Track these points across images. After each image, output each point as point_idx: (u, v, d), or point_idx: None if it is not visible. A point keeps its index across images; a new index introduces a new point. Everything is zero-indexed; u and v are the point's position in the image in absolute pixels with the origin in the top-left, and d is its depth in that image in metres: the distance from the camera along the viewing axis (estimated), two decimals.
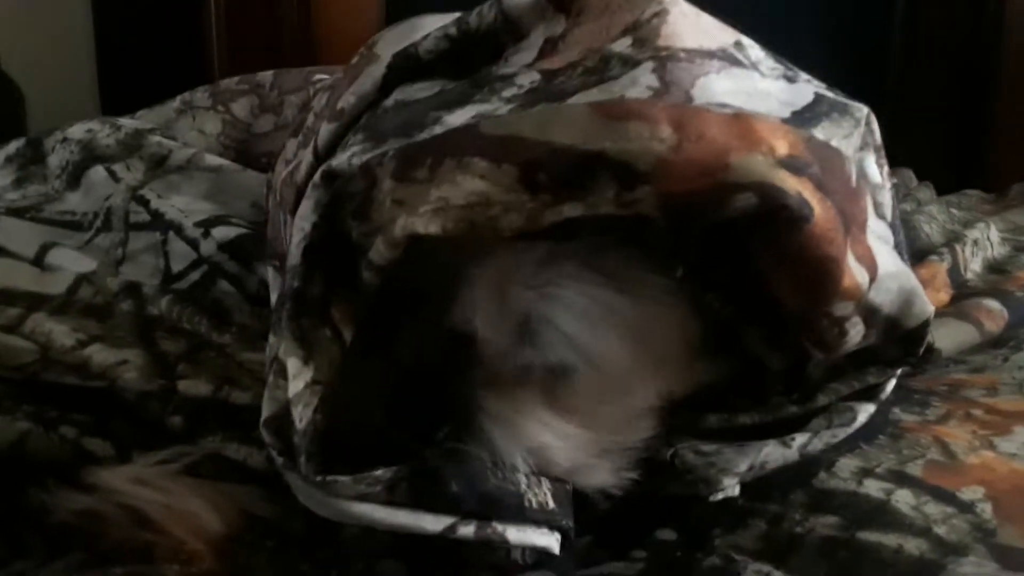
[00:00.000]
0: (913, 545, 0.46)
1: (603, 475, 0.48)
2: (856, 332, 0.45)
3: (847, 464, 0.53)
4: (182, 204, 0.64)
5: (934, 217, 0.98)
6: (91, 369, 0.54)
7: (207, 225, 0.62)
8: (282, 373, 0.43)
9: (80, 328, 0.56)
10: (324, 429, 0.43)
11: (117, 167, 0.70)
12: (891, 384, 0.51)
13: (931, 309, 0.47)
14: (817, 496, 0.51)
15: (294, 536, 0.52)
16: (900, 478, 0.52)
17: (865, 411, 0.50)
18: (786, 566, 0.46)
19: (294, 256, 0.44)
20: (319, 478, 0.43)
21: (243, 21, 2.02)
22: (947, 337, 0.75)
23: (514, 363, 0.46)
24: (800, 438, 0.49)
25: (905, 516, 0.48)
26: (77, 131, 0.74)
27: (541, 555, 0.47)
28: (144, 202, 0.65)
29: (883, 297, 0.45)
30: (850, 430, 0.50)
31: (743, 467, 0.49)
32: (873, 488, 0.51)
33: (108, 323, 0.57)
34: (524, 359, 0.46)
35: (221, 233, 0.61)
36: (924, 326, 0.48)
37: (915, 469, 0.53)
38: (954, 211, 1.04)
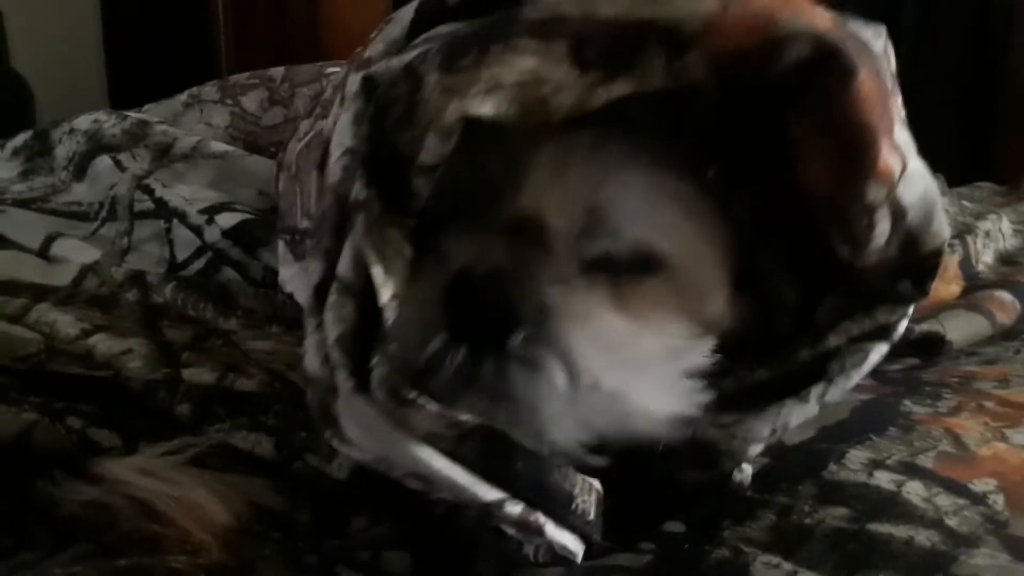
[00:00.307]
0: (924, 537, 0.46)
1: (667, 396, 0.46)
2: (882, 230, 0.44)
3: (857, 456, 0.53)
4: (187, 193, 0.64)
5: (945, 210, 0.97)
6: (95, 359, 0.54)
7: (211, 212, 0.61)
8: (348, 291, 0.42)
9: (84, 318, 0.56)
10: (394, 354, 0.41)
11: (123, 157, 0.69)
12: (903, 324, 0.49)
13: (947, 233, 0.46)
14: (827, 488, 0.50)
15: (301, 527, 0.52)
16: (911, 470, 0.51)
17: (878, 351, 0.48)
18: (795, 558, 0.45)
19: (334, 173, 0.43)
20: (405, 396, 0.40)
21: (250, 19, 2.02)
22: (958, 329, 0.74)
23: (584, 253, 0.45)
24: (816, 389, 0.48)
25: (916, 508, 0.48)
26: (83, 122, 0.75)
27: (555, 554, 0.46)
28: (149, 191, 0.64)
29: (910, 197, 0.44)
30: (864, 371, 0.48)
31: (766, 432, 0.48)
32: (884, 480, 0.50)
33: (113, 313, 0.57)
34: (595, 248, 0.45)
35: (225, 220, 0.61)
36: (938, 254, 0.46)
37: (926, 461, 0.52)
38: (966, 203, 1.04)
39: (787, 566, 0.45)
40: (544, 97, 0.40)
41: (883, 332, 0.48)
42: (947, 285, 0.83)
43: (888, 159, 0.43)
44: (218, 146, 0.70)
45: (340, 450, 0.45)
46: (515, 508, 0.43)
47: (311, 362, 0.45)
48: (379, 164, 0.41)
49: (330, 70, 0.84)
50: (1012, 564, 0.44)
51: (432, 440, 0.42)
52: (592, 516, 0.45)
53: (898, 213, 0.44)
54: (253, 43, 1.97)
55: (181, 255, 0.61)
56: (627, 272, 0.46)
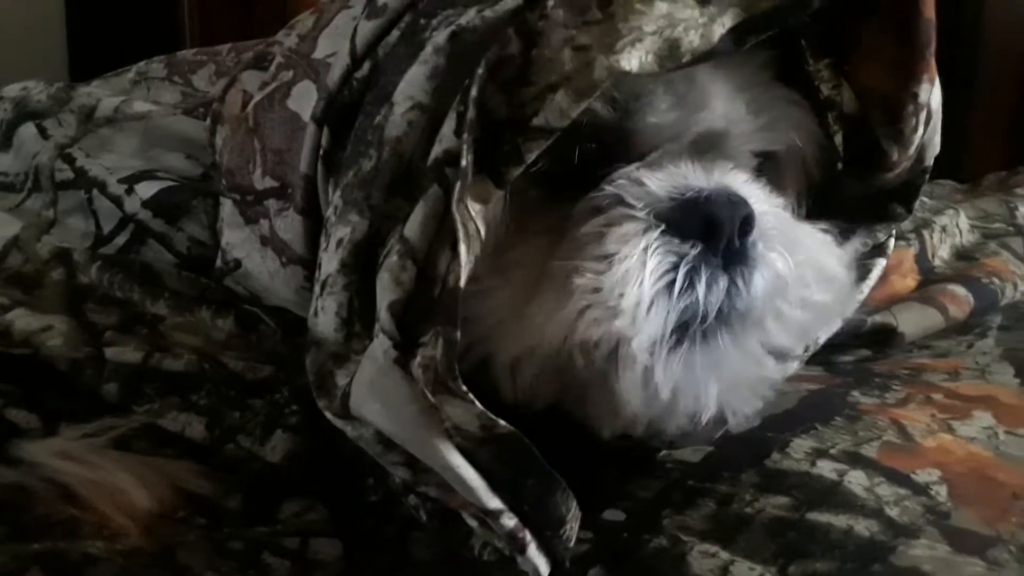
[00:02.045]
0: (864, 526, 0.45)
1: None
2: (919, 134, 0.47)
3: (801, 444, 0.52)
4: (111, 162, 0.61)
5: None
6: (14, 336, 0.52)
7: (131, 181, 0.59)
8: (412, 255, 0.39)
9: (4, 294, 0.53)
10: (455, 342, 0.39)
11: (48, 123, 0.67)
12: (892, 242, 0.53)
13: (938, 149, 0.49)
14: (769, 476, 0.49)
15: (229, 513, 0.50)
16: (854, 459, 0.51)
17: (879, 266, 0.52)
18: (733, 547, 0.44)
19: (397, 126, 0.42)
20: (451, 385, 0.38)
21: (216, 1, 1.98)
22: (911, 322, 0.74)
23: (754, 149, 0.49)
24: None
25: (857, 497, 0.47)
26: (12, 90, 0.72)
27: (501, 555, 0.45)
28: (70, 159, 0.62)
29: (935, 102, 0.47)
30: (871, 284, 0.51)
31: (799, 350, 0.49)
32: (826, 469, 0.50)
33: (35, 293, 0.55)
34: (764, 143, 0.49)
35: (144, 189, 0.58)
36: (926, 172, 0.50)
37: (870, 451, 0.52)
38: (925, 199, 1.03)
39: (724, 555, 0.44)
40: (676, 40, 0.40)
41: (880, 249, 0.52)
42: (902, 278, 0.82)
43: (932, 64, 0.46)
44: (141, 106, 0.67)
45: (334, 422, 0.43)
46: (510, 521, 0.42)
47: (325, 323, 0.43)
48: (467, 123, 0.39)
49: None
50: (952, 555, 0.44)
51: (451, 435, 0.40)
52: (572, 544, 0.45)
53: (928, 117, 0.47)
54: (219, 25, 1.94)
55: (106, 227, 0.59)
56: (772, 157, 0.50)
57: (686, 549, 0.44)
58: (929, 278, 0.84)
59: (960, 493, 0.49)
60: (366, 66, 0.48)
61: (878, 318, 0.73)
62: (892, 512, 0.46)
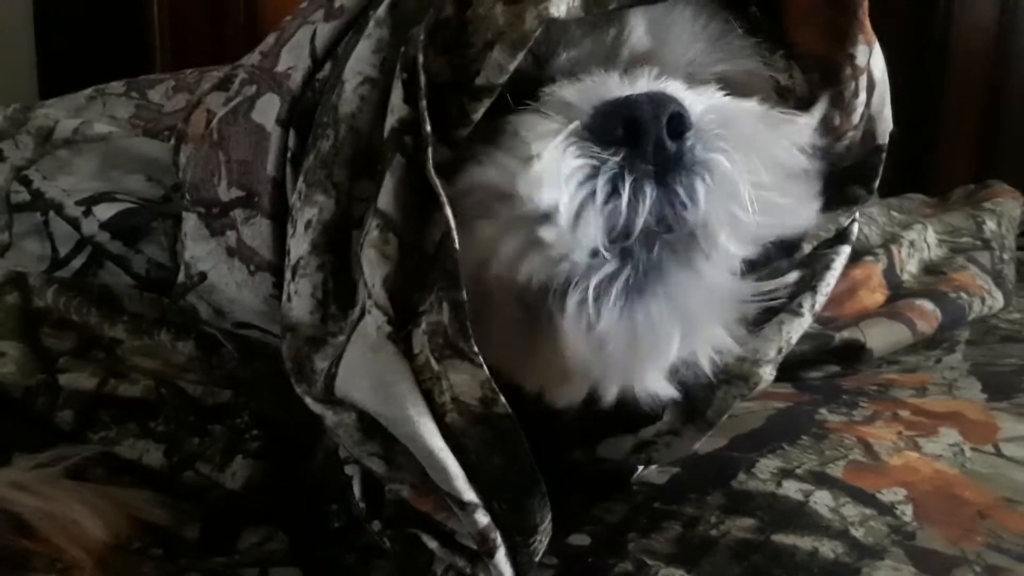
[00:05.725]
0: (828, 548, 0.45)
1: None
2: (861, 100, 0.46)
3: (767, 465, 0.52)
4: (69, 185, 0.60)
5: (874, 219, 0.98)
6: None
7: (89, 203, 0.58)
8: (391, 227, 0.39)
9: None
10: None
11: (4, 145, 0.66)
12: (856, 227, 0.51)
13: (891, 125, 0.48)
14: (735, 498, 0.49)
15: (187, 543, 0.49)
16: (820, 479, 0.50)
17: (843, 253, 0.50)
18: (698, 570, 0.44)
19: (350, 102, 0.41)
20: (461, 347, 0.38)
21: (187, 19, 1.97)
22: (879, 337, 0.74)
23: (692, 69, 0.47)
24: (805, 301, 0.48)
25: (822, 518, 0.47)
26: None
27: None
28: (27, 182, 0.61)
29: (878, 71, 0.46)
30: (836, 273, 0.49)
31: (773, 352, 0.47)
32: (792, 489, 0.49)
33: None
34: (702, 63, 0.46)
35: (103, 211, 0.57)
36: (882, 150, 0.48)
37: (836, 470, 0.52)
38: (894, 213, 1.04)
39: None
40: None
41: (843, 235, 0.50)
42: (871, 293, 0.83)
43: (868, 26, 0.45)
44: (101, 127, 0.66)
45: (313, 408, 0.42)
46: (483, 519, 0.41)
47: (300, 306, 0.42)
48: (421, 91, 0.39)
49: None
50: None
51: (446, 412, 0.39)
52: (537, 559, 0.43)
53: (871, 85, 0.46)
54: (190, 45, 1.93)
55: (63, 249, 0.57)
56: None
57: (651, 573, 0.44)
58: (897, 293, 0.84)
59: (926, 512, 0.48)
60: (327, 67, 0.48)
61: (846, 334, 0.73)
62: (857, 533, 0.46)
